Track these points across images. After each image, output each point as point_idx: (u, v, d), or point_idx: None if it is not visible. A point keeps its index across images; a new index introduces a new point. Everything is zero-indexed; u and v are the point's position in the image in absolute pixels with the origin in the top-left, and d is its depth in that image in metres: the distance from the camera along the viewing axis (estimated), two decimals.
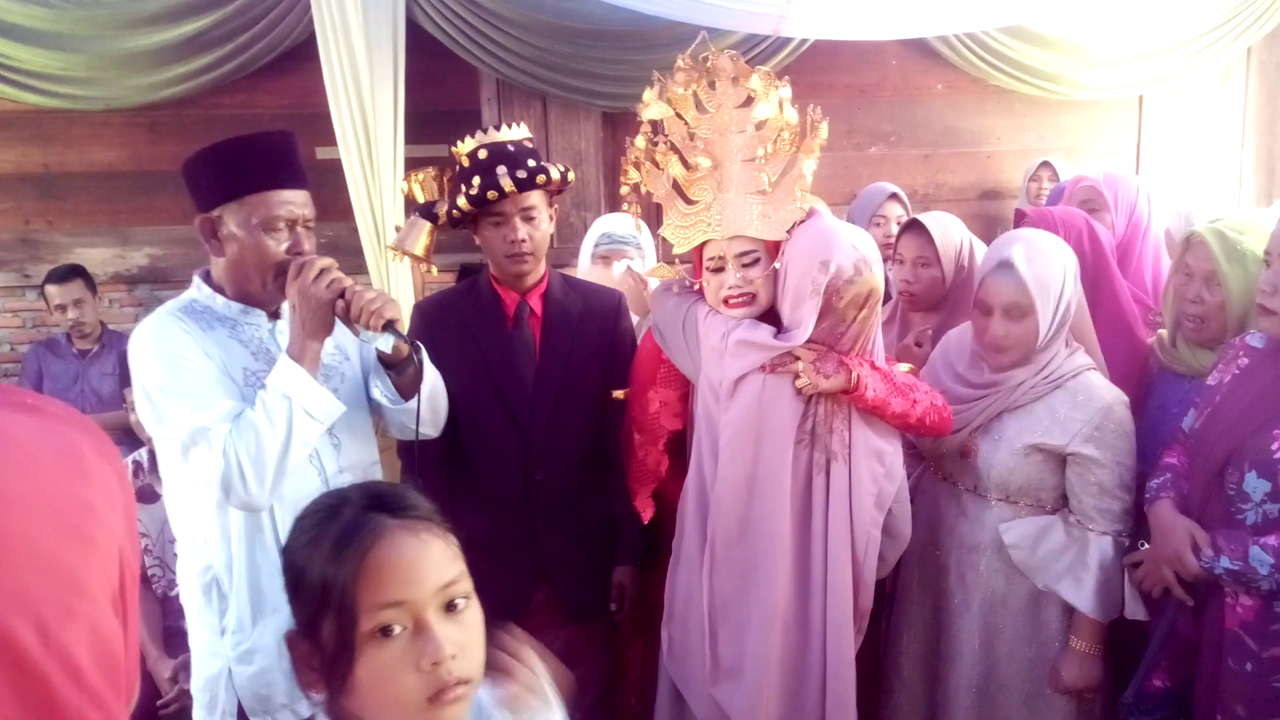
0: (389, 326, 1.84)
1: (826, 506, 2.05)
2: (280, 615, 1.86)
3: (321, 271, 1.81)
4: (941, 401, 2.13)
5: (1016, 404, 2.14)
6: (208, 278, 1.93)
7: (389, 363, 1.97)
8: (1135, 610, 2.10)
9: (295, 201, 1.86)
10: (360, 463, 2.02)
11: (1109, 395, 2.11)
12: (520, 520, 2.36)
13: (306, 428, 1.79)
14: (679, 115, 2.08)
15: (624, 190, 2.14)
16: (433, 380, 2.05)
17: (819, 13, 3.96)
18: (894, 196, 3.79)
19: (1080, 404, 2.09)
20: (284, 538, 1.86)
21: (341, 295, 1.83)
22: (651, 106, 2.08)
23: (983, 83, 4.87)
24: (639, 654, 2.58)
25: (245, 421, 1.76)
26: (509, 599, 2.36)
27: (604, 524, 2.45)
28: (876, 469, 2.07)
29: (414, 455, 2.01)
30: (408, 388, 1.99)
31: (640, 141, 2.11)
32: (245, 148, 1.84)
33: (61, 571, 0.59)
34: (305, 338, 1.82)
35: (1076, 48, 4.78)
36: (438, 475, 2.38)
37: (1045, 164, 4.63)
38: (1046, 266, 2.08)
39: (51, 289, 3.92)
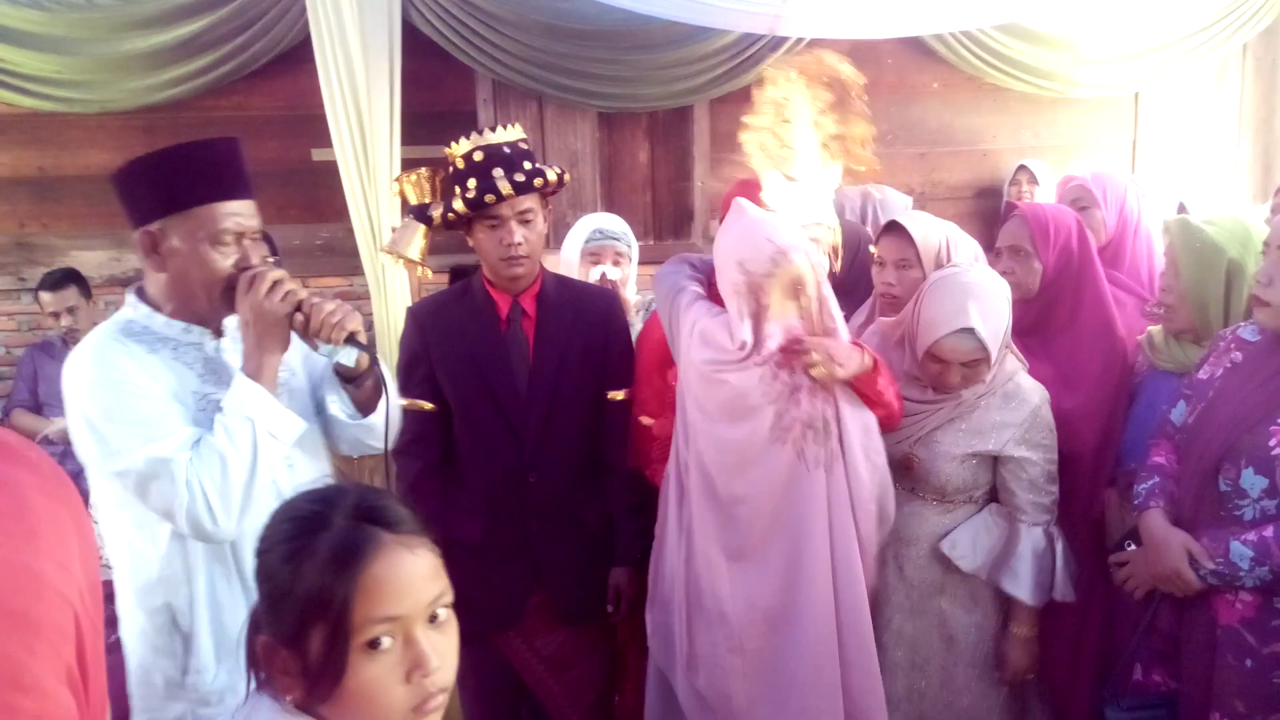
0: (351, 339, 1.78)
1: (829, 500, 2.06)
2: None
3: (274, 284, 1.72)
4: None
5: (955, 415, 2.23)
6: (143, 295, 1.79)
7: (348, 376, 1.91)
8: (1066, 592, 2.20)
9: (242, 213, 1.74)
10: (314, 481, 1.90)
11: (1036, 398, 2.22)
12: (515, 523, 2.35)
13: (271, 450, 1.71)
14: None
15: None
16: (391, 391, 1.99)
17: (814, 12, 3.96)
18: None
19: (1012, 409, 2.21)
20: (247, 571, 1.70)
21: (298, 308, 1.75)
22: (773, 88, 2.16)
23: (978, 81, 4.87)
24: (635, 653, 2.58)
25: (206, 448, 1.65)
26: (505, 602, 2.36)
27: (599, 525, 2.45)
28: (869, 444, 2.10)
29: (390, 464, 1.97)
30: (366, 402, 1.93)
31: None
32: (188, 157, 1.71)
33: (1, 669, 0.54)
34: (262, 354, 1.72)
35: (1072, 45, 4.79)
36: (432, 479, 2.38)
37: (1022, 168, 4.64)
38: (998, 319, 2.14)
39: (45, 296, 3.91)
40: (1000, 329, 2.15)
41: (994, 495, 2.30)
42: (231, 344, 1.85)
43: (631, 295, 3.05)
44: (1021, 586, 2.19)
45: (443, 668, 1.07)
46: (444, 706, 1.09)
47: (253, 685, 1.12)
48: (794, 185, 2.14)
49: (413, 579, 1.06)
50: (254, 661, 1.11)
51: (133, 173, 1.72)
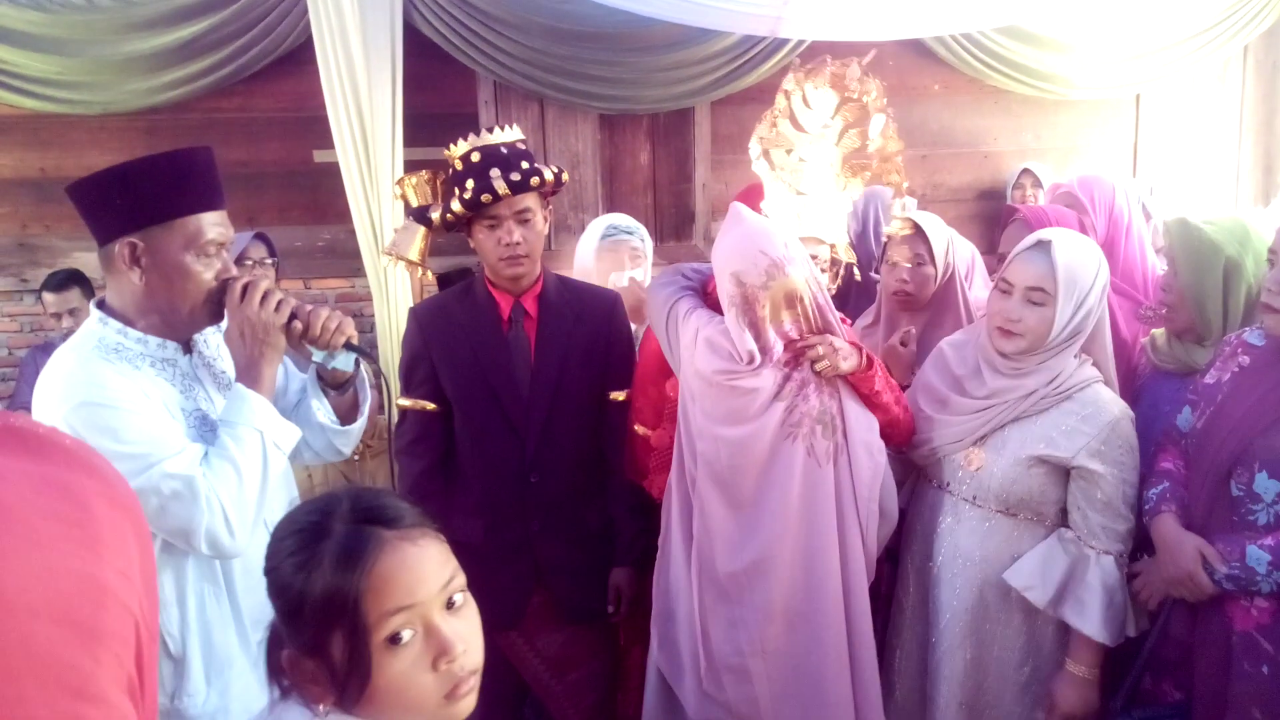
0: (349, 344, 1.80)
1: (837, 495, 2.07)
2: (235, 669, 1.74)
3: (266, 294, 1.72)
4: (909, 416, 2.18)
5: (1023, 414, 2.09)
6: (107, 308, 1.75)
7: (334, 383, 1.91)
8: (1134, 629, 2.05)
9: (222, 223, 1.73)
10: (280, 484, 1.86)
11: (1116, 409, 2.06)
12: (517, 524, 2.35)
13: (277, 461, 1.70)
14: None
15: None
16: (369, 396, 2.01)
17: (815, 13, 3.96)
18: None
19: (1088, 417, 2.04)
20: (237, 587, 1.75)
21: (294, 316, 1.75)
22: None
23: (979, 83, 4.87)
24: (638, 656, 2.58)
25: (219, 462, 1.62)
26: (507, 602, 2.36)
27: (601, 526, 2.45)
28: (871, 441, 2.10)
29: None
30: (347, 410, 1.94)
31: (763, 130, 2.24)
32: (168, 166, 1.68)
33: (66, 678, 0.53)
34: (262, 365, 1.72)
35: (1073, 47, 4.79)
36: (434, 479, 2.38)
37: (1026, 171, 4.64)
38: (1080, 263, 2.02)
39: (48, 296, 3.91)
40: (1077, 276, 2.00)
41: (1065, 520, 2.11)
42: (198, 356, 1.83)
43: None
44: (1088, 620, 2.00)
45: (469, 650, 1.08)
46: (476, 689, 1.09)
47: (275, 695, 1.12)
48: (799, 199, 2.15)
49: (419, 569, 1.07)
50: (277, 672, 1.11)
51: (106, 183, 1.68)
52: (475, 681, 1.09)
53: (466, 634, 1.09)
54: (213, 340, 1.89)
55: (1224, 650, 1.89)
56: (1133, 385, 2.44)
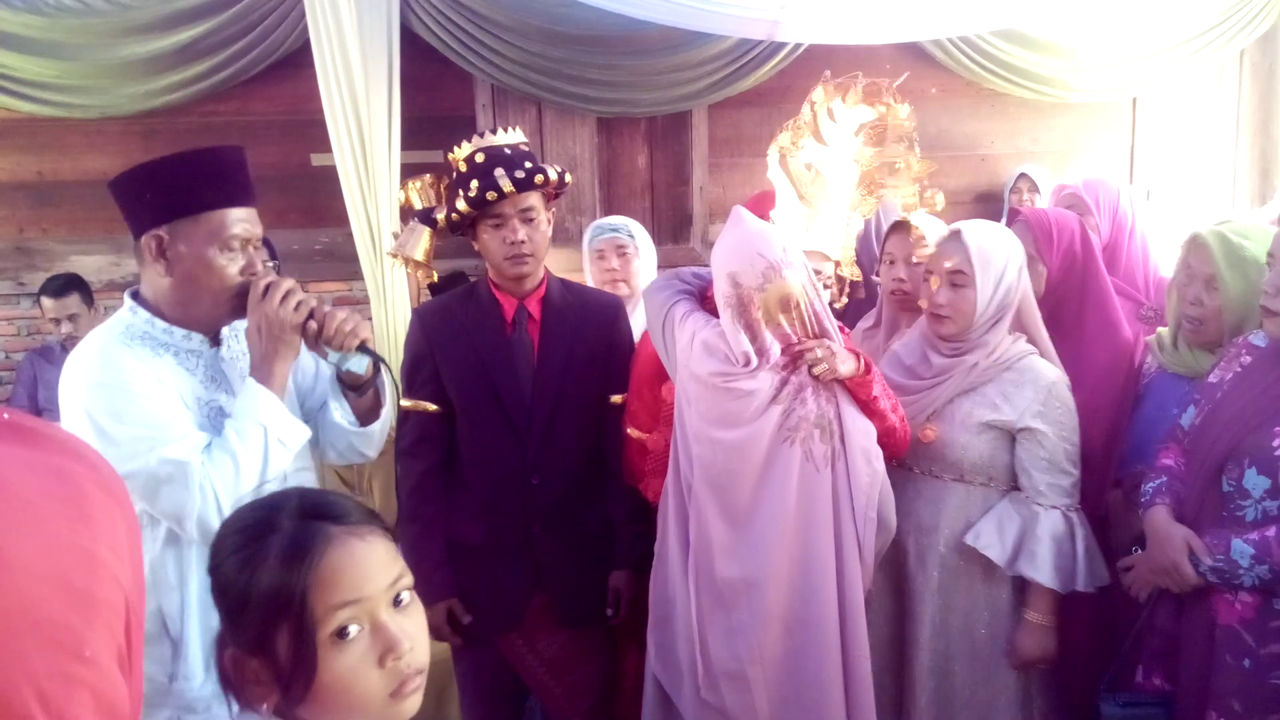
0: (363, 347, 1.81)
1: (834, 501, 2.07)
2: None
3: (287, 293, 1.76)
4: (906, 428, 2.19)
5: (969, 386, 2.23)
6: (139, 298, 1.79)
7: (352, 385, 1.93)
8: (1088, 583, 2.15)
9: (249, 220, 1.77)
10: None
11: (1052, 374, 2.23)
12: (517, 526, 2.35)
13: (279, 457, 1.72)
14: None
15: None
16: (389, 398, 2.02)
17: (813, 17, 3.97)
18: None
19: (1027, 382, 2.20)
20: None
21: (310, 317, 1.77)
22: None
23: (977, 86, 4.87)
24: (633, 658, 2.57)
25: (219, 453, 1.66)
26: (506, 604, 2.36)
27: (601, 529, 2.45)
28: (869, 448, 2.10)
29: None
30: (366, 411, 1.95)
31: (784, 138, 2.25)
32: (197, 162, 1.73)
33: (63, 639, 0.56)
34: (275, 362, 1.75)
35: (1070, 51, 4.79)
36: (436, 480, 2.38)
37: (1023, 176, 4.64)
38: (991, 246, 2.19)
39: (47, 301, 3.90)
40: (991, 257, 2.17)
41: (1016, 484, 2.25)
42: (229, 352, 1.86)
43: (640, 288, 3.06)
44: (1041, 570, 2.13)
45: (415, 649, 1.08)
46: (422, 688, 1.09)
47: (236, 709, 1.11)
48: (810, 211, 2.15)
49: (367, 564, 1.07)
50: (228, 681, 1.10)
51: (138, 178, 1.72)
52: (420, 681, 1.09)
53: (413, 632, 1.09)
54: (243, 335, 1.90)
55: (1207, 643, 1.93)
56: (1137, 384, 2.44)
